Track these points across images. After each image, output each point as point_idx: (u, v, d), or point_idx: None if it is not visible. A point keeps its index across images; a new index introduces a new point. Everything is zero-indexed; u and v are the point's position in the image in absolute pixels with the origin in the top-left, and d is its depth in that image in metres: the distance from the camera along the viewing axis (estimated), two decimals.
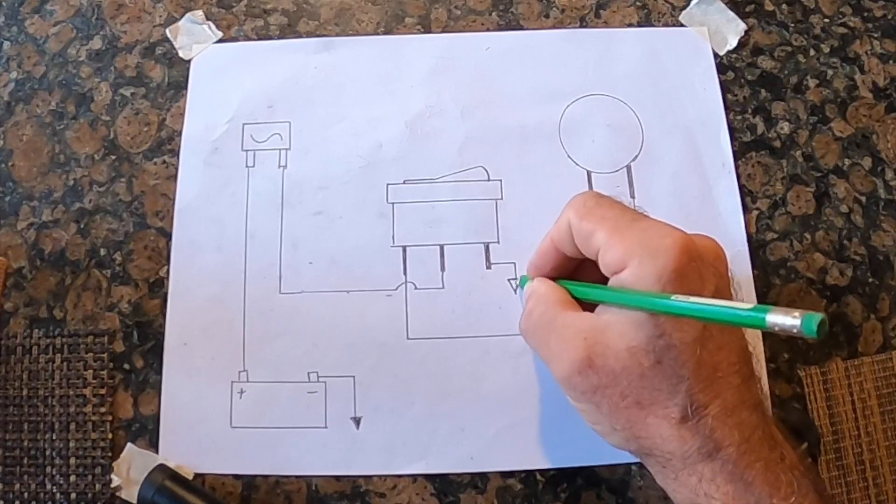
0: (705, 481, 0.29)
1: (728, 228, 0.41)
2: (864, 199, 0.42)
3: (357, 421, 0.38)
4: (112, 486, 0.37)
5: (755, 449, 0.29)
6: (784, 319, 0.23)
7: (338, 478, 0.38)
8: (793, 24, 0.45)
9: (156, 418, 0.38)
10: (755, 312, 0.24)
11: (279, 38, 0.45)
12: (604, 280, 0.32)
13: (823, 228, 0.41)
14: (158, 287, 0.40)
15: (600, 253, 0.31)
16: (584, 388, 0.30)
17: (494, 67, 0.44)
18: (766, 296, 0.40)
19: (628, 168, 0.42)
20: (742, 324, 0.25)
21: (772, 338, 0.39)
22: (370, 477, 0.38)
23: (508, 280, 0.40)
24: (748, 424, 0.29)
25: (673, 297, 0.27)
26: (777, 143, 0.43)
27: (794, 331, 0.22)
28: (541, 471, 0.38)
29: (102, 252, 0.41)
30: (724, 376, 0.29)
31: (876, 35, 0.45)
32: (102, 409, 0.38)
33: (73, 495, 0.37)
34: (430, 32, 0.45)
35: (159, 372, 0.39)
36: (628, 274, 0.30)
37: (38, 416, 0.38)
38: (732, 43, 0.44)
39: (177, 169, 0.42)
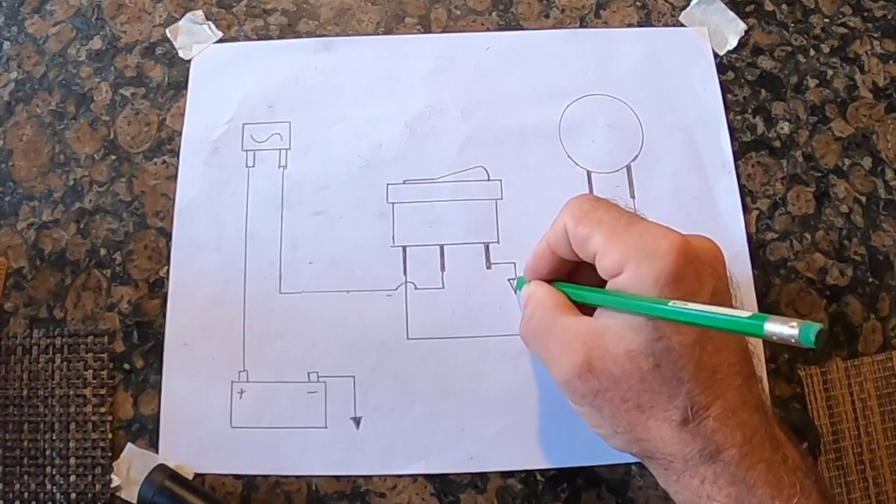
0: (707, 483, 0.29)
1: (728, 228, 0.41)
2: (864, 199, 0.42)
3: (357, 421, 0.38)
4: (112, 486, 0.37)
5: (757, 450, 0.29)
6: (781, 329, 0.23)
7: (338, 478, 0.38)
8: (793, 24, 0.45)
9: (156, 418, 0.38)
10: (753, 321, 0.24)
11: (279, 38, 0.45)
12: (601, 282, 0.32)
13: (823, 228, 0.41)
14: (158, 287, 0.40)
15: (597, 257, 0.31)
16: (584, 392, 0.30)
17: (494, 67, 0.44)
18: (767, 296, 0.40)
19: (628, 168, 0.42)
20: (739, 331, 0.25)
21: None
22: (370, 477, 0.38)
23: (508, 280, 0.40)
24: (749, 425, 0.29)
25: (671, 303, 0.27)
26: (777, 143, 0.43)
27: (793, 341, 0.22)
28: (541, 471, 0.38)
29: (102, 252, 0.41)
30: (724, 377, 0.29)
31: (876, 35, 0.45)
32: (102, 409, 0.38)
33: (73, 495, 0.37)
34: (430, 32, 0.45)
35: (159, 372, 0.39)
36: (626, 278, 0.30)
37: (38, 416, 0.38)
38: (732, 43, 0.44)
39: (177, 169, 0.42)
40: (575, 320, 0.32)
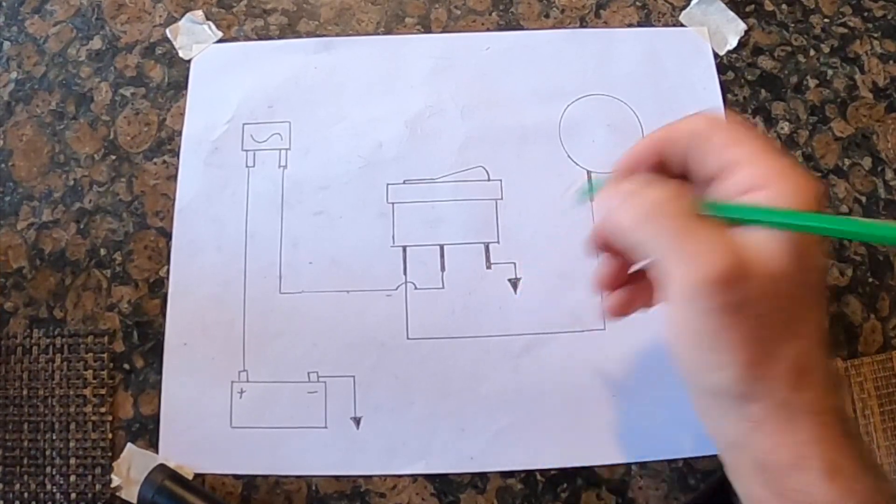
0: (811, 445, 0.26)
1: None
2: (864, 199, 0.42)
3: (357, 421, 0.38)
4: (112, 486, 0.37)
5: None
6: None
7: (338, 478, 0.38)
8: (793, 24, 0.45)
9: (156, 418, 0.38)
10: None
11: (279, 38, 0.45)
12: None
13: None
14: (158, 287, 0.40)
15: (734, 168, 0.27)
16: (722, 302, 0.26)
17: (494, 67, 0.44)
18: None
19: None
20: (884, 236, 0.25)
21: None
22: (370, 477, 0.38)
23: (508, 280, 0.40)
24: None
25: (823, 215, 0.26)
26: (777, 143, 0.43)
27: None
28: (541, 471, 0.38)
29: (102, 252, 0.41)
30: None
31: (876, 35, 0.45)
32: (102, 409, 0.38)
33: (73, 495, 0.37)
34: (430, 32, 0.45)
35: (159, 372, 0.39)
36: (767, 194, 0.26)
37: (38, 416, 0.38)
38: (732, 43, 0.44)
39: (177, 169, 0.42)
40: (719, 227, 0.27)
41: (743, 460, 0.28)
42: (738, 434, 0.27)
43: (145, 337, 0.39)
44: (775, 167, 0.27)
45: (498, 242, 0.41)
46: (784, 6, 0.45)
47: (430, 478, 0.38)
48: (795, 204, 0.26)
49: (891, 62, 0.45)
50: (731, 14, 0.45)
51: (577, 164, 0.42)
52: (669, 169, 0.30)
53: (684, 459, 0.38)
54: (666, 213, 0.27)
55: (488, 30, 0.45)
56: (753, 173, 0.27)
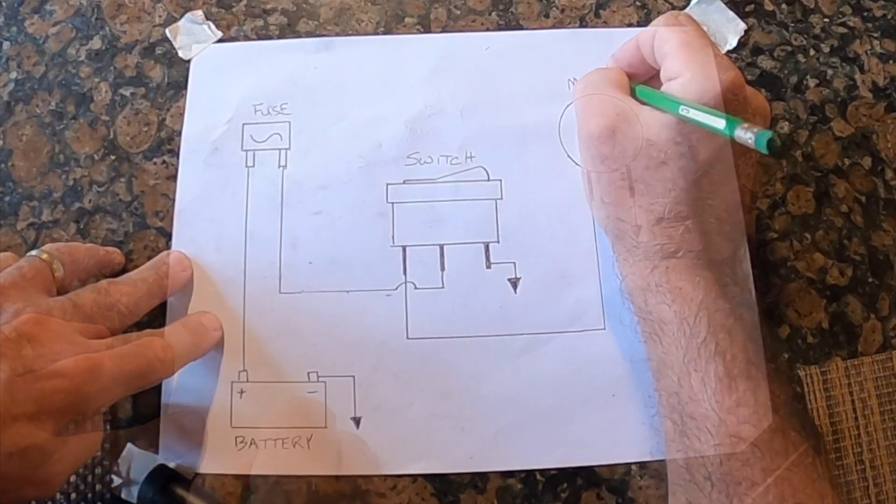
0: (657, 272, 0.33)
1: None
2: (864, 198, 0.42)
3: (357, 421, 0.38)
4: (112, 486, 0.37)
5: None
6: (745, 134, 0.29)
7: (338, 478, 0.38)
8: (793, 24, 0.45)
9: (156, 418, 0.38)
10: (728, 122, 0.30)
11: (279, 37, 0.45)
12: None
13: (823, 228, 0.41)
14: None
15: (664, 60, 0.34)
16: (595, 153, 0.35)
17: (494, 67, 0.44)
18: (767, 295, 0.40)
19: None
20: (713, 128, 0.30)
21: (772, 337, 0.39)
22: (370, 477, 0.38)
23: (508, 279, 0.40)
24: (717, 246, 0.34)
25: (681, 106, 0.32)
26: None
27: (750, 142, 0.29)
28: (541, 471, 0.38)
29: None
30: (710, 206, 0.34)
31: (876, 35, 0.45)
32: (102, 409, 0.38)
33: (73, 495, 0.37)
34: (429, 32, 0.45)
35: None
36: (678, 83, 0.33)
37: None
38: (732, 43, 0.44)
39: (176, 169, 0.42)
40: (622, 96, 0.36)
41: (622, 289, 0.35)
42: (617, 259, 0.36)
43: None
44: (689, 60, 0.33)
45: (498, 242, 0.41)
46: (784, 6, 0.45)
47: (429, 478, 0.38)
48: (698, 92, 0.32)
49: (891, 62, 0.45)
50: (731, 14, 0.45)
51: (577, 164, 0.42)
52: (649, 63, 0.37)
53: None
54: (595, 79, 0.37)
55: (488, 29, 0.45)
56: (675, 64, 0.34)
